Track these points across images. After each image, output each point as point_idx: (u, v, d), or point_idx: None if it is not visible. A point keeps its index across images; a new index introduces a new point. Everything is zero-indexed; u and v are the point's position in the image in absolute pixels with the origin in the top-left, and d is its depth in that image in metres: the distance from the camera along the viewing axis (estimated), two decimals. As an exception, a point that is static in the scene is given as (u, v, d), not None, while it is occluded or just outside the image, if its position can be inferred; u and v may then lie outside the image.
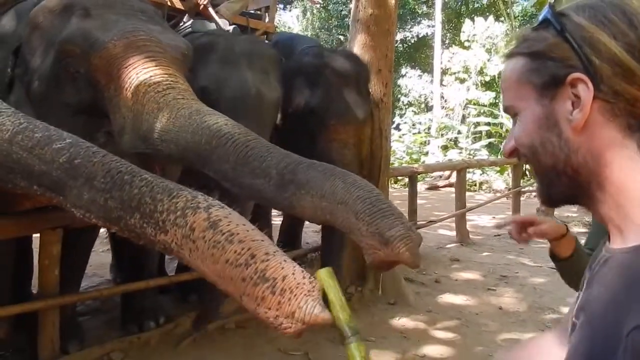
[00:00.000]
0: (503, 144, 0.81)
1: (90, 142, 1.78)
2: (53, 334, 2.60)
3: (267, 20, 4.62)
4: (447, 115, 15.64)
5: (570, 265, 1.41)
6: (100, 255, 4.49)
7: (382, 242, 1.14)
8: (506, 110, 0.78)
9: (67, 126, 1.80)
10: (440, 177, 11.26)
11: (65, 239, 2.58)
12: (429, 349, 3.02)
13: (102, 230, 3.46)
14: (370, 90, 3.74)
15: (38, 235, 2.61)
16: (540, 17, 0.73)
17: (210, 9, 3.55)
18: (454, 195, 6.10)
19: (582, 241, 1.55)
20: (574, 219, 7.58)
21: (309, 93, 3.11)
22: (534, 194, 9.47)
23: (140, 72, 1.67)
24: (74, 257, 2.77)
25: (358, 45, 3.75)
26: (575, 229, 6.80)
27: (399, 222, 1.18)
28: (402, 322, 3.37)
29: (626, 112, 0.66)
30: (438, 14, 17.10)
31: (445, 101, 16.19)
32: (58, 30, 1.85)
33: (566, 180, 0.71)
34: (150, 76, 1.65)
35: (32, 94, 1.88)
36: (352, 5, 4.03)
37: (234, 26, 3.70)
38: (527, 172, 9.22)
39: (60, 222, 2.51)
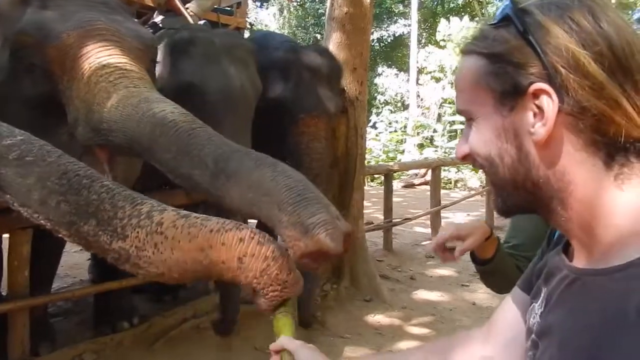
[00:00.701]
0: (456, 147, 0.76)
1: (52, 139, 1.76)
2: (23, 336, 2.54)
3: (238, 16, 4.62)
4: (423, 114, 15.79)
5: (492, 267, 1.37)
6: (73, 256, 4.41)
7: (302, 231, 1.03)
8: (460, 113, 0.72)
9: (25, 120, 1.76)
10: (416, 175, 11.35)
11: (36, 239, 2.53)
12: (404, 345, 3.04)
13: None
14: (344, 87, 3.77)
15: (6, 235, 2.56)
16: (499, 12, 0.66)
17: (178, 2, 3.52)
18: (428, 193, 6.16)
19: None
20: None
21: (280, 87, 3.13)
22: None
23: (93, 62, 1.62)
24: (45, 258, 2.72)
25: (333, 44, 3.76)
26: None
27: (324, 210, 1.09)
28: (378, 318, 3.40)
29: (592, 128, 0.61)
30: (414, 13, 17.28)
31: (421, 100, 16.34)
32: (14, 23, 1.79)
33: (525, 194, 0.67)
34: (103, 65, 1.60)
35: None
36: (327, 3, 4.04)
37: (204, 22, 3.67)
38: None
39: (30, 222, 2.45)
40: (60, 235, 0.99)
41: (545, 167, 0.65)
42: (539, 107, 0.63)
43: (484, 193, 6.95)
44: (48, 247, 2.70)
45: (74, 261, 4.33)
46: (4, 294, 3.15)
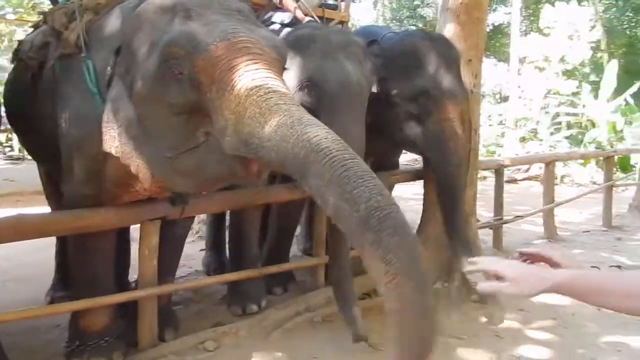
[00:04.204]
0: None
1: (192, 142, 1.83)
2: (152, 322, 2.70)
3: (342, 10, 4.61)
4: (524, 105, 15.02)
5: None
6: (186, 247, 4.61)
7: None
8: None
9: (168, 124, 1.87)
10: (519, 170, 10.80)
11: (162, 230, 2.66)
12: (525, 350, 2.88)
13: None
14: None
15: (135, 226, 2.71)
16: None
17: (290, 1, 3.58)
18: (533, 189, 5.81)
19: None
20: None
21: (417, 74, 3.08)
22: (622, 188, 8.92)
23: (242, 74, 1.67)
24: (170, 248, 2.86)
25: (447, 35, 3.62)
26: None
27: None
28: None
29: None
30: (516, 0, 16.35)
31: (523, 91, 15.54)
32: (161, 32, 1.86)
33: None
34: (252, 79, 1.65)
35: (134, 93, 1.93)
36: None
37: (308, 18, 3.69)
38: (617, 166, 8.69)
39: (158, 214, 2.60)
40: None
41: None
42: None
43: (602, 190, 6.44)
44: (172, 238, 2.85)
45: (187, 252, 4.51)
46: (130, 280, 3.39)
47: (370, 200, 1.31)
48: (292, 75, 2.65)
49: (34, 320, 2.88)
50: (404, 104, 3.11)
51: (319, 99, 2.66)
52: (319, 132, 1.47)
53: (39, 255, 4.04)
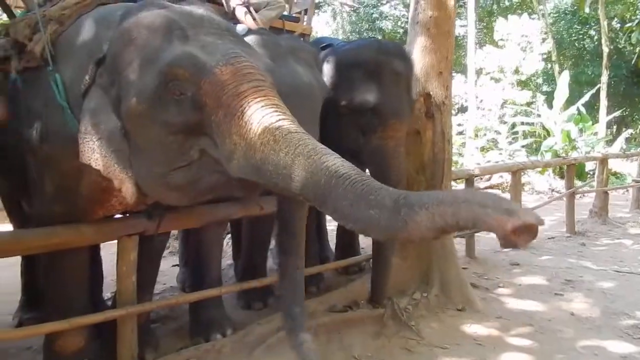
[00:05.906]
0: None
1: (184, 158, 1.82)
2: (131, 341, 2.60)
3: (305, 22, 4.61)
4: (483, 116, 15.42)
5: None
6: (158, 262, 4.50)
7: (508, 213, 1.27)
8: None
9: (162, 141, 1.84)
10: (481, 179, 11.05)
11: (139, 246, 2.58)
12: (507, 357, 2.92)
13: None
14: (429, 92, 3.69)
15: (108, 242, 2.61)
16: None
17: (241, 12, 3.58)
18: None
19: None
20: (627, 219, 7.36)
21: (367, 88, 3.05)
22: (579, 194, 9.26)
23: (251, 101, 1.70)
24: (148, 264, 2.77)
25: (418, 48, 3.68)
26: (632, 230, 6.60)
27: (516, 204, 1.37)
28: (474, 329, 3.26)
29: None
30: (471, 13, 16.80)
31: (481, 102, 15.96)
32: (157, 50, 1.84)
33: None
34: (262, 106, 1.69)
35: (125, 109, 1.88)
36: (410, 7, 3.96)
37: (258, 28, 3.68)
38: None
39: (136, 229, 2.52)
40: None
41: None
42: None
43: (565, 197, 6.65)
44: (150, 253, 2.76)
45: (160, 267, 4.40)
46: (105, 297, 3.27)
47: (392, 195, 1.43)
48: None
49: (2, 343, 2.75)
50: (351, 116, 3.05)
51: None
52: (335, 160, 1.57)
53: (1, 274, 3.87)
